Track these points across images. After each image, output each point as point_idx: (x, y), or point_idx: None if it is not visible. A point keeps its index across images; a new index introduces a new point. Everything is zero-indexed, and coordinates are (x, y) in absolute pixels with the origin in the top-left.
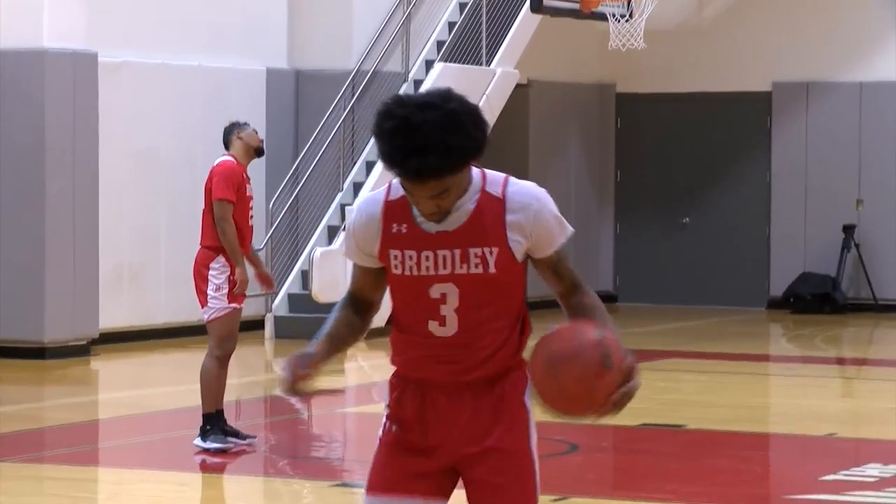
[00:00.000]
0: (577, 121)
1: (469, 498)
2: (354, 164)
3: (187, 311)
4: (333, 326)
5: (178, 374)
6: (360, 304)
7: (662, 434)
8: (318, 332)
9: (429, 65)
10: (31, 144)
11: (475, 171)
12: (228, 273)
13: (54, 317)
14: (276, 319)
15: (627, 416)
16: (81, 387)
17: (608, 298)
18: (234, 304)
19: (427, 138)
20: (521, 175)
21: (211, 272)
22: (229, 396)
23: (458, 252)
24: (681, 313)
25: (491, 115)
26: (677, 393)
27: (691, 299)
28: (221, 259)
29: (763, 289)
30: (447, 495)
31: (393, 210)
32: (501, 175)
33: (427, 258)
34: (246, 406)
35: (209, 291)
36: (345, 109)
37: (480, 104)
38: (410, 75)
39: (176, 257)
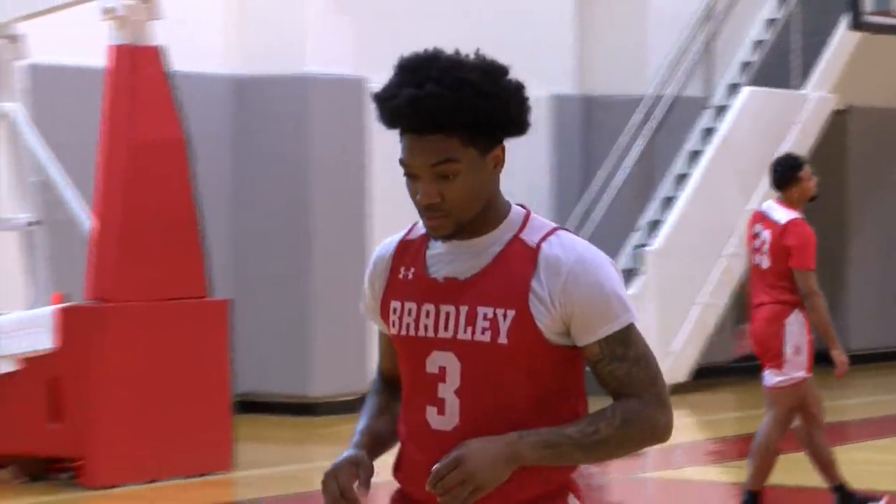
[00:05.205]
0: None
1: None
2: (650, 200)
3: None
4: (371, 422)
5: None
6: (393, 384)
7: None
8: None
9: (733, 89)
10: (295, 177)
11: (518, 211)
12: (806, 333)
13: (322, 369)
14: None
15: None
16: None
17: None
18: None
19: (434, 71)
20: (840, 220)
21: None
22: None
23: (464, 309)
24: None
25: (804, 146)
26: None
27: None
28: (799, 316)
29: None
30: None
31: (407, 250)
32: (551, 224)
33: (427, 314)
34: None
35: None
36: (638, 139)
37: (792, 133)
38: (713, 101)
39: None
